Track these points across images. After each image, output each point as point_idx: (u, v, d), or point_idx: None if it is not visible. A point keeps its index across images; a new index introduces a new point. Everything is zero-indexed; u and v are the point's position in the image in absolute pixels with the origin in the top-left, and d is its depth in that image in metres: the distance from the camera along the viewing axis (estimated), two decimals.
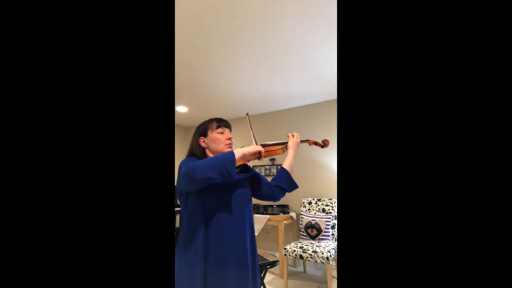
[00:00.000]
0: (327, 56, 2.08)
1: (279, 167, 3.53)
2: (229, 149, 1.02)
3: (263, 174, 3.62)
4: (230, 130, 1.05)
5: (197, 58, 2.09)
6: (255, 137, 1.05)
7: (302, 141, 1.12)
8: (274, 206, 3.09)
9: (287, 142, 1.08)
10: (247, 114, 1.18)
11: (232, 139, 1.03)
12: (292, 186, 1.02)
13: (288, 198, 3.38)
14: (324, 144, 1.15)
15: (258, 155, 0.91)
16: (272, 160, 3.56)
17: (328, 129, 3.14)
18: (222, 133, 1.01)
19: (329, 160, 3.09)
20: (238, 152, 0.86)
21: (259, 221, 2.99)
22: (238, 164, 1.01)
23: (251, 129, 1.11)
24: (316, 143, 1.15)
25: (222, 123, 1.03)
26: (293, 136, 1.07)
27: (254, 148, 0.89)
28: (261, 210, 3.09)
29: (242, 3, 1.45)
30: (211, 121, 1.04)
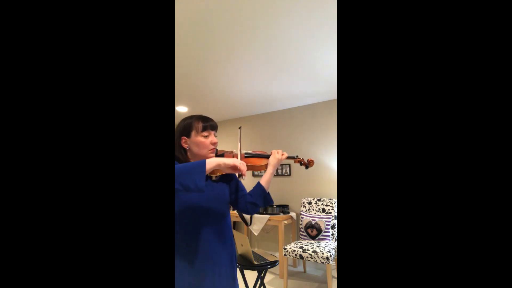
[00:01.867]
0: (327, 56, 2.08)
1: (277, 170, 3.53)
2: (213, 155, 0.95)
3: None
4: (216, 130, 0.97)
5: (197, 58, 2.09)
6: (241, 151, 1.03)
7: (289, 157, 1.11)
8: (274, 206, 3.09)
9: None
10: (239, 128, 1.13)
11: (216, 144, 0.95)
12: (267, 202, 1.01)
13: (288, 198, 3.38)
14: (308, 164, 1.16)
15: (237, 171, 0.80)
16: None
17: (328, 129, 3.14)
18: (207, 136, 0.92)
19: (329, 160, 3.09)
20: (212, 162, 0.75)
21: (259, 221, 2.99)
22: (215, 174, 0.96)
23: (240, 142, 1.05)
24: (301, 163, 1.16)
25: (208, 124, 0.93)
26: (277, 153, 1.02)
27: (232, 161, 0.77)
28: (261, 210, 3.09)
29: (242, 3, 1.45)
30: (196, 120, 0.94)
